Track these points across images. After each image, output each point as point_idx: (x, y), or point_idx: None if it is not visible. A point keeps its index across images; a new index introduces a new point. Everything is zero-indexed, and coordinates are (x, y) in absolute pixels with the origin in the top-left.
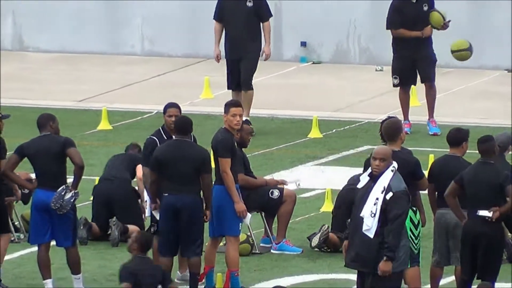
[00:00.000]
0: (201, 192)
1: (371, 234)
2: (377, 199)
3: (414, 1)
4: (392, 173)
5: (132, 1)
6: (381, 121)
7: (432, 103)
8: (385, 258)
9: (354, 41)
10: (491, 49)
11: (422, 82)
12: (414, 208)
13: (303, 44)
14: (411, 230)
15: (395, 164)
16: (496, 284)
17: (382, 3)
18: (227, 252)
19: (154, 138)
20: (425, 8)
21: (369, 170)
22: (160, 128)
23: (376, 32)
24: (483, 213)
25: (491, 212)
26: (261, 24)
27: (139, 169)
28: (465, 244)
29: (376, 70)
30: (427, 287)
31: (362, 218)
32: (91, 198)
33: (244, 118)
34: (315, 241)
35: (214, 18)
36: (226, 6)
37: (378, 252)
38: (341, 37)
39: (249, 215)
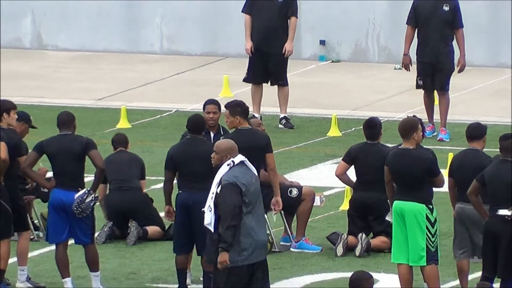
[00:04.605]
0: None
1: (211, 228)
2: (213, 193)
3: None
4: (228, 167)
5: (151, 0)
6: (400, 119)
7: (443, 111)
8: (219, 249)
9: (373, 39)
10: (509, 47)
11: (435, 89)
12: (431, 206)
13: (322, 42)
14: (427, 228)
15: (235, 159)
16: None
17: (401, 1)
18: None
19: None
20: (446, 9)
21: None
22: None
23: (395, 30)
24: (502, 212)
25: (511, 211)
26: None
27: (143, 186)
28: (487, 242)
29: (395, 69)
30: (447, 286)
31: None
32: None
33: (282, 115)
34: (340, 251)
35: (243, 11)
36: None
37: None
38: (360, 35)
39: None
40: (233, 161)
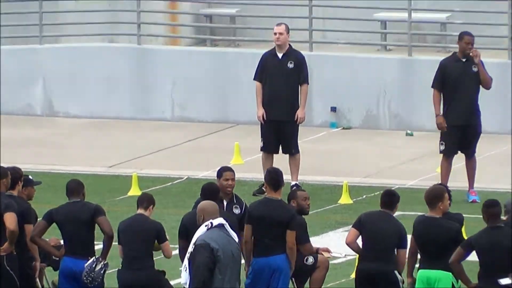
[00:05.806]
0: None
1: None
2: (189, 253)
3: (464, 60)
4: (205, 228)
5: (162, 67)
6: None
7: (472, 174)
8: None
9: (384, 106)
10: None
11: (463, 152)
12: None
13: (333, 109)
14: None
15: (214, 221)
16: None
17: (411, 68)
18: None
19: None
20: (474, 70)
21: None
22: None
23: (406, 97)
24: (504, 281)
25: None
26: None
27: (167, 248)
28: None
29: (407, 135)
30: None
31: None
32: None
33: (293, 183)
34: None
35: (254, 79)
36: (268, 67)
37: None
38: (371, 102)
39: None
40: (211, 223)
